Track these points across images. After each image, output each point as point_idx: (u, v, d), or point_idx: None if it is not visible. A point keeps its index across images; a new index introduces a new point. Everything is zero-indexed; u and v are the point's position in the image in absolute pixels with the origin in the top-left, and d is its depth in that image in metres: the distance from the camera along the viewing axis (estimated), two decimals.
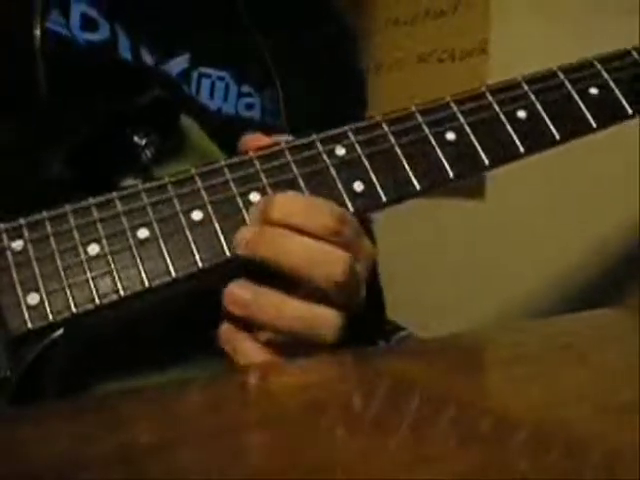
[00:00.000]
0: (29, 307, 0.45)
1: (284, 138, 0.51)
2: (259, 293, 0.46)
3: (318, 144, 0.51)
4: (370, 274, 0.49)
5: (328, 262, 0.45)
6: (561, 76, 0.55)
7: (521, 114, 0.53)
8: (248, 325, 0.47)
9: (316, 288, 0.45)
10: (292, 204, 0.47)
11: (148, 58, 0.60)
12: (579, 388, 0.32)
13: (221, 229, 0.48)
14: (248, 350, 0.46)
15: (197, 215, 0.48)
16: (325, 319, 0.46)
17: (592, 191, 0.96)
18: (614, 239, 0.95)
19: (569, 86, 0.55)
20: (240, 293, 0.46)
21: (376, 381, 0.38)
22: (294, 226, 0.46)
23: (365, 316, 0.48)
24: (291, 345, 0.46)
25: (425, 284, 1.12)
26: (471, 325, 0.43)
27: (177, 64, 0.61)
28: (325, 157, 0.50)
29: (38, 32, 0.53)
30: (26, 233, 0.47)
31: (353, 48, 0.76)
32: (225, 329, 0.47)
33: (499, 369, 0.37)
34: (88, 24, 0.58)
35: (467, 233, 1.07)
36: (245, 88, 0.64)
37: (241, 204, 0.49)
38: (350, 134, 0.51)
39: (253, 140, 0.51)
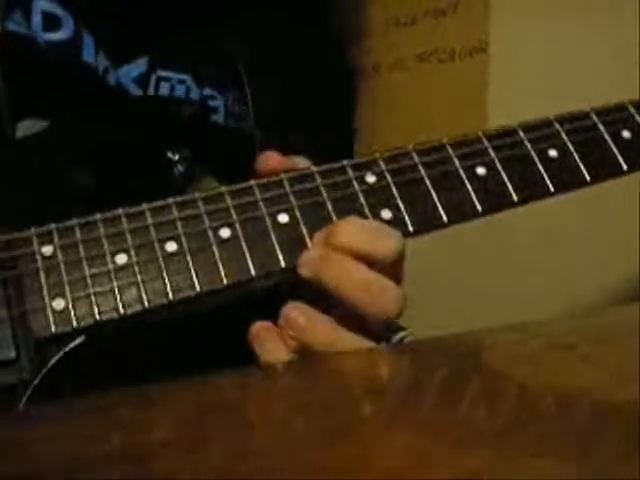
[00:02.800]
0: (54, 312, 0.46)
1: (304, 163, 0.52)
2: (314, 320, 0.47)
3: (349, 170, 0.51)
4: None
5: (385, 299, 0.46)
6: (594, 117, 0.55)
7: (552, 153, 0.54)
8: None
9: (366, 320, 0.46)
10: (357, 229, 0.48)
11: (103, 61, 0.59)
12: (581, 388, 0.32)
13: (248, 248, 0.48)
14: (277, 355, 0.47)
15: (225, 233, 0.48)
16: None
17: (593, 189, 0.96)
18: (616, 237, 0.95)
19: (602, 128, 0.55)
20: (295, 317, 0.47)
21: (375, 381, 0.38)
22: (356, 252, 0.46)
23: None
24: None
25: (425, 283, 1.12)
26: (472, 325, 0.43)
27: (134, 67, 0.60)
28: (355, 183, 0.51)
29: None
30: (56, 238, 0.47)
31: (335, 50, 0.74)
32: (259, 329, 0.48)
33: (500, 369, 0.37)
34: (50, 23, 0.57)
35: (467, 231, 1.07)
36: (208, 91, 0.63)
37: (269, 224, 0.49)
38: (381, 162, 0.52)
39: (270, 159, 0.51)
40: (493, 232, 1.07)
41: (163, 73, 0.61)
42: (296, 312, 0.47)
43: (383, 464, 0.24)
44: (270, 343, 0.47)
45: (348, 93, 0.75)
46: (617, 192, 0.95)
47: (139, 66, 0.60)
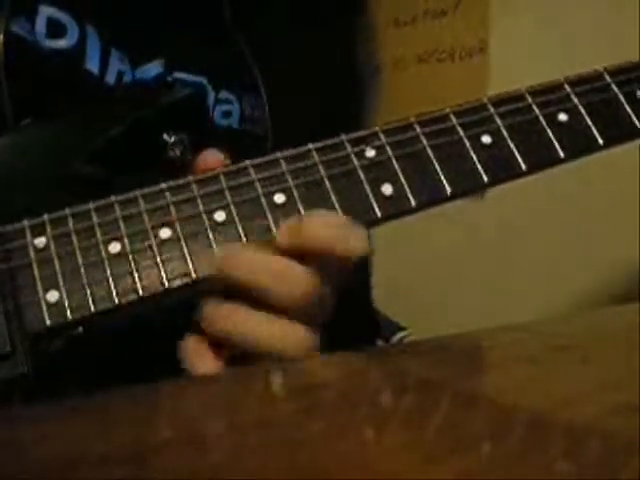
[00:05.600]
0: (48, 304, 0.45)
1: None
2: (224, 309, 0.45)
3: (347, 145, 0.49)
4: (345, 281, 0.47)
5: (291, 281, 0.44)
6: (607, 78, 0.52)
7: (562, 117, 0.51)
8: (215, 344, 0.45)
9: (279, 305, 0.44)
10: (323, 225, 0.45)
11: (118, 64, 0.58)
12: (580, 388, 0.31)
13: (244, 231, 0.47)
14: (208, 368, 0.45)
15: (220, 216, 0.47)
16: (287, 334, 0.44)
17: (592, 189, 0.94)
18: (615, 237, 0.93)
19: (616, 89, 0.52)
20: (207, 310, 0.45)
21: (375, 381, 0.37)
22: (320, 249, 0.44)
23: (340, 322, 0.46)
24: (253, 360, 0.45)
25: (425, 283, 1.12)
26: (471, 325, 0.43)
27: (151, 69, 0.60)
28: (354, 158, 0.49)
29: (1, 36, 0.53)
30: (49, 229, 0.46)
31: (346, 52, 0.73)
32: (189, 343, 0.46)
33: (499, 369, 0.37)
34: (55, 30, 0.56)
35: (466, 232, 1.06)
36: (224, 94, 0.62)
37: (265, 205, 0.48)
38: (381, 135, 0.50)
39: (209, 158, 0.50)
40: (493, 232, 1.07)
41: (179, 75, 0.60)
42: (207, 306, 0.45)
43: (382, 465, 0.24)
44: (198, 355, 0.45)
45: (360, 95, 0.73)
46: (617, 191, 0.95)
47: (155, 67, 0.60)
